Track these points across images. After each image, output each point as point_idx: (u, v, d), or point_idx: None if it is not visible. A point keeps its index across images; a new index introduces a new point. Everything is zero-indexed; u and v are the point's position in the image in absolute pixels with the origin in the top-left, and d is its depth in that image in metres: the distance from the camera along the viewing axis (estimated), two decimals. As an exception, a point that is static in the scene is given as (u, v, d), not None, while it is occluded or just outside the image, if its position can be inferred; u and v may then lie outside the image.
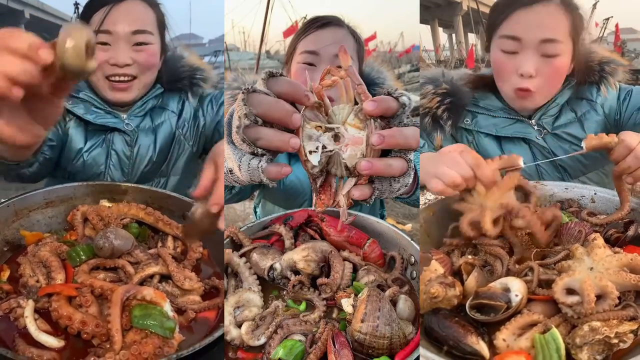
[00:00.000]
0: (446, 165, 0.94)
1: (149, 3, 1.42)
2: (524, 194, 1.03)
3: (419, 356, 0.77)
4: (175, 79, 1.53)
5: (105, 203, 1.15)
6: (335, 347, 0.80)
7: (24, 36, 0.60)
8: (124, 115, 1.46)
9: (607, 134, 0.96)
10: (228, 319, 0.89)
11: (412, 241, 1.03)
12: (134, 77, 1.39)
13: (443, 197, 1.05)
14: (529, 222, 0.92)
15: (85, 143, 1.42)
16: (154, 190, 1.18)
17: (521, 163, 0.97)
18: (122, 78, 1.37)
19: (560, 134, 1.37)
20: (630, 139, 0.94)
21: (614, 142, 0.95)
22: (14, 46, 0.59)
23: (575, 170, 1.39)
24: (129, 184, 1.19)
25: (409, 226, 3.13)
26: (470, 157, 0.95)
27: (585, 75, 1.38)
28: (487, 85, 1.43)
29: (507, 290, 0.82)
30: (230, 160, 0.72)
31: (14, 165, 1.04)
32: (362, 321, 0.81)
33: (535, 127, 1.38)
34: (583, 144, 0.97)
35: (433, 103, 1.38)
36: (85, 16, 1.38)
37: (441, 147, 1.41)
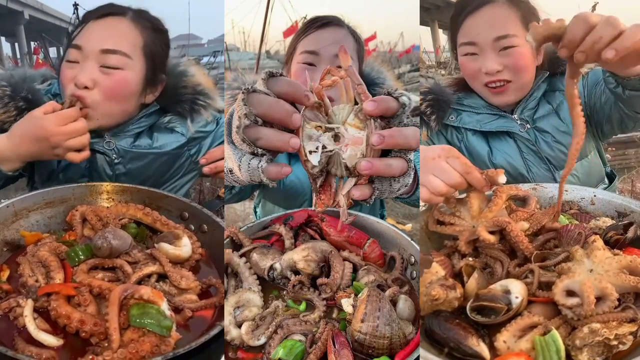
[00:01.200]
0: (433, 174, 0.94)
1: (139, 25, 1.26)
2: (521, 200, 1.04)
3: (419, 356, 0.77)
4: (174, 100, 1.39)
5: (103, 203, 1.15)
6: (335, 347, 0.80)
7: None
8: (106, 134, 1.31)
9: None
10: (228, 319, 0.89)
11: (412, 241, 1.03)
12: (86, 106, 1.19)
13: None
14: (515, 236, 0.93)
15: (59, 163, 1.32)
16: (152, 190, 1.18)
17: (501, 179, 0.95)
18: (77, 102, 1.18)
19: (540, 127, 1.42)
20: (584, 13, 0.76)
21: (563, 25, 0.77)
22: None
23: (559, 160, 1.41)
24: (128, 185, 1.19)
25: (409, 226, 3.12)
26: (458, 164, 0.95)
27: (555, 67, 1.44)
28: (467, 86, 1.48)
29: (507, 292, 0.82)
30: (230, 160, 0.72)
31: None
32: (362, 321, 0.81)
33: (518, 122, 1.42)
34: (529, 38, 0.80)
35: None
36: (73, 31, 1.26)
37: (431, 141, 1.46)
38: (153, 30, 1.29)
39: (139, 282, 0.93)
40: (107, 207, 1.12)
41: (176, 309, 0.91)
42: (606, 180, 1.54)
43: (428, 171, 0.95)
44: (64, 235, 1.05)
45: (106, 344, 0.80)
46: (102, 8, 1.25)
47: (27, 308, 0.83)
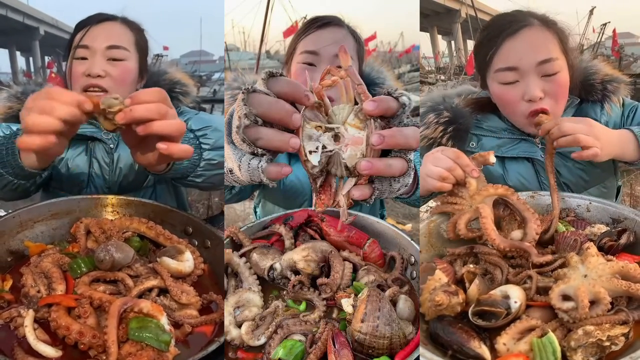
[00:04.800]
0: (431, 164, 1.07)
1: (129, 26, 1.47)
2: (507, 208, 1.07)
3: (418, 356, 0.78)
4: None
5: (108, 216, 1.15)
6: (335, 347, 0.80)
7: (69, 93, 0.84)
8: None
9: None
10: (228, 319, 0.89)
11: (412, 241, 1.03)
12: (105, 91, 1.38)
13: (441, 195, 1.12)
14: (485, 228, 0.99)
15: (67, 151, 1.43)
16: (156, 204, 1.18)
17: (492, 159, 1.08)
18: (95, 89, 1.38)
19: (563, 152, 1.33)
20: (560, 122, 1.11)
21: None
22: (64, 99, 0.81)
23: (577, 186, 1.37)
24: (133, 198, 1.19)
25: (409, 226, 3.12)
26: (449, 152, 1.08)
27: (588, 94, 1.38)
28: (486, 107, 1.40)
29: (506, 297, 0.85)
30: (230, 160, 0.72)
31: (26, 183, 1.16)
32: (362, 321, 0.81)
33: (540, 146, 1.36)
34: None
35: (437, 133, 1.37)
36: (72, 37, 1.43)
37: None
38: (138, 30, 1.50)
39: (140, 295, 0.93)
40: (112, 220, 1.12)
41: (176, 324, 0.91)
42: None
43: (426, 164, 1.08)
44: (68, 247, 1.05)
45: (104, 357, 0.80)
46: (99, 15, 1.45)
47: (27, 318, 0.83)
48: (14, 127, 1.21)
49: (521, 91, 1.26)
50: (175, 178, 1.15)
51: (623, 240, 0.97)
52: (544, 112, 1.24)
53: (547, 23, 1.28)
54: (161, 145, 0.84)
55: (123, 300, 0.85)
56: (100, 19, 1.44)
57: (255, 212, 1.83)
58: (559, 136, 1.09)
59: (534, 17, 1.28)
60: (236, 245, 1.07)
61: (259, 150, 0.67)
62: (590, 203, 1.12)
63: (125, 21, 1.48)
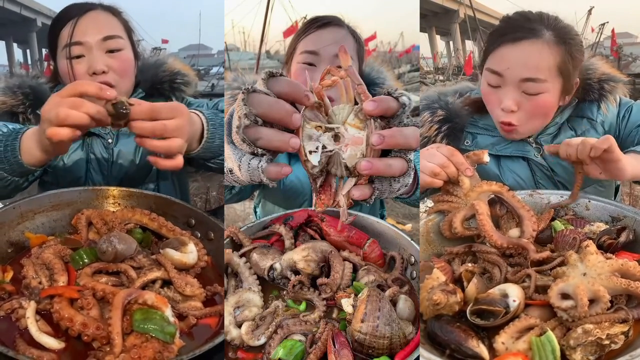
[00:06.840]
0: (425, 160, 1.08)
1: (111, 12, 1.42)
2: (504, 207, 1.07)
3: (419, 356, 0.78)
4: (155, 83, 1.51)
5: (109, 208, 1.15)
6: (335, 347, 0.80)
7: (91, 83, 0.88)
8: None
9: None
10: (228, 319, 0.89)
11: (412, 241, 1.03)
12: (112, 86, 1.32)
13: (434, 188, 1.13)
14: (482, 224, 1.00)
15: None
16: (158, 196, 1.18)
17: (486, 158, 1.09)
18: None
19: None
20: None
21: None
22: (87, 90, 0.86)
23: (573, 184, 1.33)
24: (134, 190, 1.18)
25: (409, 226, 3.13)
26: (444, 149, 1.10)
27: (585, 94, 1.36)
28: (484, 107, 1.39)
29: (505, 296, 0.85)
30: (230, 160, 0.72)
31: (20, 179, 1.12)
32: (362, 321, 0.81)
33: (534, 145, 1.36)
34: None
35: (431, 132, 1.37)
36: (53, 33, 1.38)
37: None
38: (119, 12, 1.45)
39: (143, 287, 0.93)
40: (113, 211, 1.12)
41: (180, 316, 0.91)
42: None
43: (421, 159, 1.09)
44: (69, 238, 1.04)
45: (108, 349, 0.80)
46: (79, 7, 1.39)
47: (29, 310, 0.83)
48: (10, 125, 1.15)
49: (500, 97, 1.27)
50: (205, 158, 1.12)
51: (622, 238, 0.97)
52: (510, 125, 1.27)
53: (561, 38, 1.22)
54: (150, 158, 0.91)
55: (127, 292, 0.85)
56: (82, 10, 1.37)
57: (255, 212, 1.83)
58: (585, 148, 1.06)
59: (550, 29, 1.23)
60: (236, 245, 1.07)
61: (259, 150, 0.67)
62: (589, 201, 1.13)
63: (105, 7, 1.42)
